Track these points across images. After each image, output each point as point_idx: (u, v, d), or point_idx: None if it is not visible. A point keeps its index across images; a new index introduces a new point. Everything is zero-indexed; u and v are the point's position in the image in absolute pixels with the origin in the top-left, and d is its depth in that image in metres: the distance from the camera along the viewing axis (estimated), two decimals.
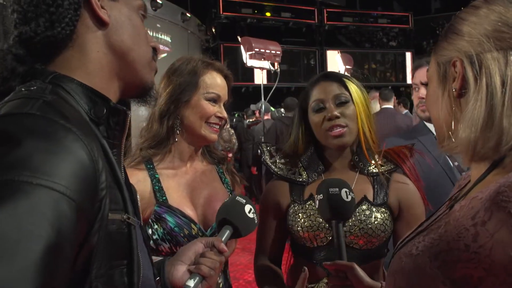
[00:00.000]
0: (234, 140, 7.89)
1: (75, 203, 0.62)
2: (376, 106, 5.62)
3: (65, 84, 0.80)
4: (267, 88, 6.30)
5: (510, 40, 0.80)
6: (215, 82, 1.58)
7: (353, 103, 1.54)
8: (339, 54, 8.25)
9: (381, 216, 1.50)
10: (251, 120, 8.93)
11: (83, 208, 0.64)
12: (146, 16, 0.97)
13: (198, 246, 1.17)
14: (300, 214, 1.54)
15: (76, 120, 0.71)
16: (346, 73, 7.70)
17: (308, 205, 1.55)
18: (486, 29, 0.82)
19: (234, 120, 10.62)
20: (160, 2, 9.87)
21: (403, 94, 15.39)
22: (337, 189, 1.28)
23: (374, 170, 1.57)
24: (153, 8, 9.79)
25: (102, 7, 0.85)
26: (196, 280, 1.10)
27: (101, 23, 0.85)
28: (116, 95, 0.91)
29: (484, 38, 0.82)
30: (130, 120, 0.89)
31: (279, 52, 6.00)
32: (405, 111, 7.97)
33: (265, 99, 6.36)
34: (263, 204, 1.69)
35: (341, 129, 1.51)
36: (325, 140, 1.56)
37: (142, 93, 0.95)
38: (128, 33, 0.88)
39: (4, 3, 0.85)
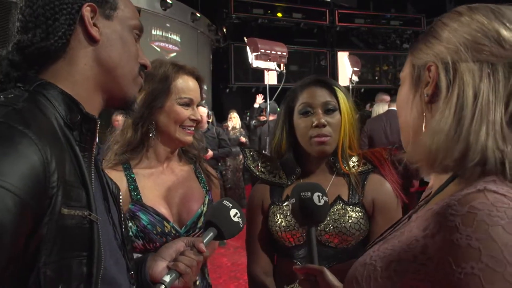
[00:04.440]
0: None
1: (19, 199, 0.70)
2: (380, 108, 5.58)
3: (48, 91, 0.88)
4: (277, 89, 6.28)
5: (487, 54, 0.77)
6: (187, 86, 1.60)
7: (340, 112, 1.57)
8: (347, 56, 8.20)
9: (356, 215, 1.52)
10: (256, 121, 8.90)
11: (28, 204, 0.72)
12: (141, 35, 1.06)
13: (179, 244, 1.23)
14: (277, 215, 1.59)
15: (38, 127, 0.79)
16: (353, 75, 7.68)
17: (285, 205, 1.59)
18: (465, 38, 0.80)
19: (248, 118, 10.64)
20: (170, 1, 9.94)
21: None
22: (309, 193, 1.29)
23: (351, 171, 1.59)
24: (163, 8, 9.86)
25: (95, 25, 0.93)
26: (172, 276, 1.14)
27: (92, 40, 0.93)
28: (100, 105, 0.99)
29: (462, 46, 0.79)
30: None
31: (285, 53, 6.00)
32: None
33: (275, 99, 6.37)
34: (249, 207, 1.73)
35: (324, 137, 1.54)
36: (309, 147, 1.58)
37: (124, 105, 1.04)
38: (117, 51, 0.97)
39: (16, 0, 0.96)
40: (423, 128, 0.86)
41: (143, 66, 1.05)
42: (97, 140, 0.97)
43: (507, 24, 0.78)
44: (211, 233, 1.23)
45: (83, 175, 0.85)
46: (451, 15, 0.86)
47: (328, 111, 1.55)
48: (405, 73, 0.94)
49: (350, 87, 7.36)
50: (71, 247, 0.80)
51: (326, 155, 1.59)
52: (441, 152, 0.78)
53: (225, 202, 1.29)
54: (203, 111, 5.84)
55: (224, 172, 7.59)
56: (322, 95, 1.57)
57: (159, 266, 1.18)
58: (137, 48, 1.03)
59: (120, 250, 1.01)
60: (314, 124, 1.54)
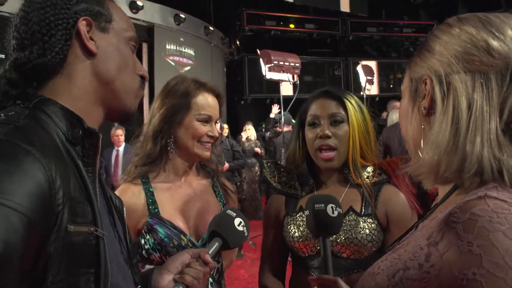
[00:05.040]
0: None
1: (27, 218, 0.69)
2: (394, 116, 5.57)
3: (48, 107, 0.88)
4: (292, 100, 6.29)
5: (478, 64, 0.78)
6: (206, 103, 1.64)
7: (348, 123, 1.57)
8: (360, 65, 8.20)
9: (368, 226, 1.52)
10: (271, 132, 8.93)
11: (35, 222, 0.71)
12: (137, 46, 1.05)
13: (185, 256, 1.21)
14: (291, 225, 1.61)
15: (41, 143, 0.78)
16: (367, 84, 7.66)
17: (299, 216, 1.61)
18: (456, 50, 0.81)
19: (264, 130, 10.70)
20: (183, 16, 10.08)
21: None
22: (323, 205, 1.30)
23: (364, 182, 1.59)
24: (176, 23, 10.00)
25: (91, 39, 0.93)
26: None
27: (89, 53, 0.93)
28: (100, 119, 0.99)
29: (453, 59, 0.80)
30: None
31: (298, 65, 6.01)
32: None
33: (289, 110, 6.38)
34: (265, 217, 1.77)
35: (330, 152, 1.55)
36: (315, 159, 1.61)
37: (124, 118, 1.04)
38: (114, 63, 0.97)
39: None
40: (421, 141, 0.87)
41: (142, 78, 1.04)
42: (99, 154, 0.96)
43: (496, 33, 0.79)
44: (216, 243, 1.24)
45: (88, 190, 0.85)
46: (442, 27, 0.88)
47: (335, 122, 1.57)
48: (404, 86, 0.95)
49: (364, 96, 7.35)
50: (78, 264, 0.79)
51: (333, 169, 1.61)
52: (442, 165, 0.79)
53: (229, 211, 1.30)
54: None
55: (239, 184, 7.61)
56: (330, 106, 1.59)
57: (165, 279, 1.17)
58: (134, 59, 1.03)
59: (127, 264, 1.01)
60: (318, 135, 1.56)
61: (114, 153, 6.68)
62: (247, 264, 5.87)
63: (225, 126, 7.70)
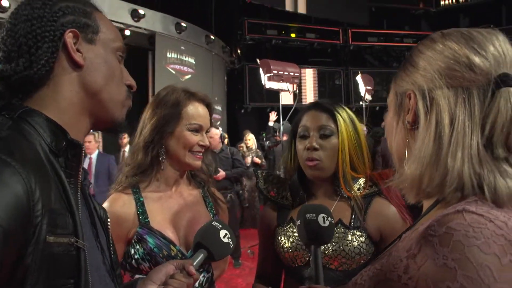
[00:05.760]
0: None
1: (2, 228, 0.69)
2: None
3: (32, 118, 0.87)
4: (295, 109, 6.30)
5: (461, 79, 0.79)
6: (197, 112, 1.65)
7: (338, 136, 1.58)
8: (360, 75, 8.23)
9: (357, 239, 1.52)
10: (270, 141, 8.93)
11: (13, 233, 0.70)
12: (124, 57, 1.05)
13: (169, 267, 1.18)
14: (281, 236, 1.61)
15: (22, 155, 0.78)
16: (367, 94, 7.66)
17: (289, 227, 1.61)
18: (439, 65, 0.82)
19: (264, 139, 10.73)
20: (185, 25, 10.14)
21: None
22: (314, 215, 1.30)
23: (354, 194, 1.59)
24: (178, 31, 10.06)
25: (78, 50, 0.93)
26: None
27: (76, 65, 0.93)
28: (87, 129, 0.99)
29: (437, 74, 0.81)
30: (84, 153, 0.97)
31: (297, 74, 6.05)
32: None
33: (289, 119, 6.41)
34: (259, 228, 1.78)
35: (315, 161, 1.56)
36: (304, 169, 1.62)
37: (112, 128, 1.04)
38: (101, 74, 0.96)
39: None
40: (406, 154, 0.88)
41: (129, 87, 1.04)
42: (83, 165, 0.95)
43: (478, 49, 0.80)
44: (201, 255, 1.23)
45: (69, 201, 0.84)
46: (426, 42, 0.89)
47: (323, 135, 1.58)
48: (390, 100, 0.96)
49: (364, 106, 7.37)
50: (58, 275, 0.79)
51: (321, 179, 1.61)
52: (424, 180, 0.80)
53: (214, 223, 1.29)
54: (216, 132, 5.87)
55: (240, 192, 7.61)
56: (320, 119, 1.60)
57: None
58: (122, 69, 1.02)
59: (110, 275, 1.00)
60: (306, 147, 1.57)
61: (86, 161, 6.13)
62: (245, 273, 5.86)
63: (225, 135, 7.72)
